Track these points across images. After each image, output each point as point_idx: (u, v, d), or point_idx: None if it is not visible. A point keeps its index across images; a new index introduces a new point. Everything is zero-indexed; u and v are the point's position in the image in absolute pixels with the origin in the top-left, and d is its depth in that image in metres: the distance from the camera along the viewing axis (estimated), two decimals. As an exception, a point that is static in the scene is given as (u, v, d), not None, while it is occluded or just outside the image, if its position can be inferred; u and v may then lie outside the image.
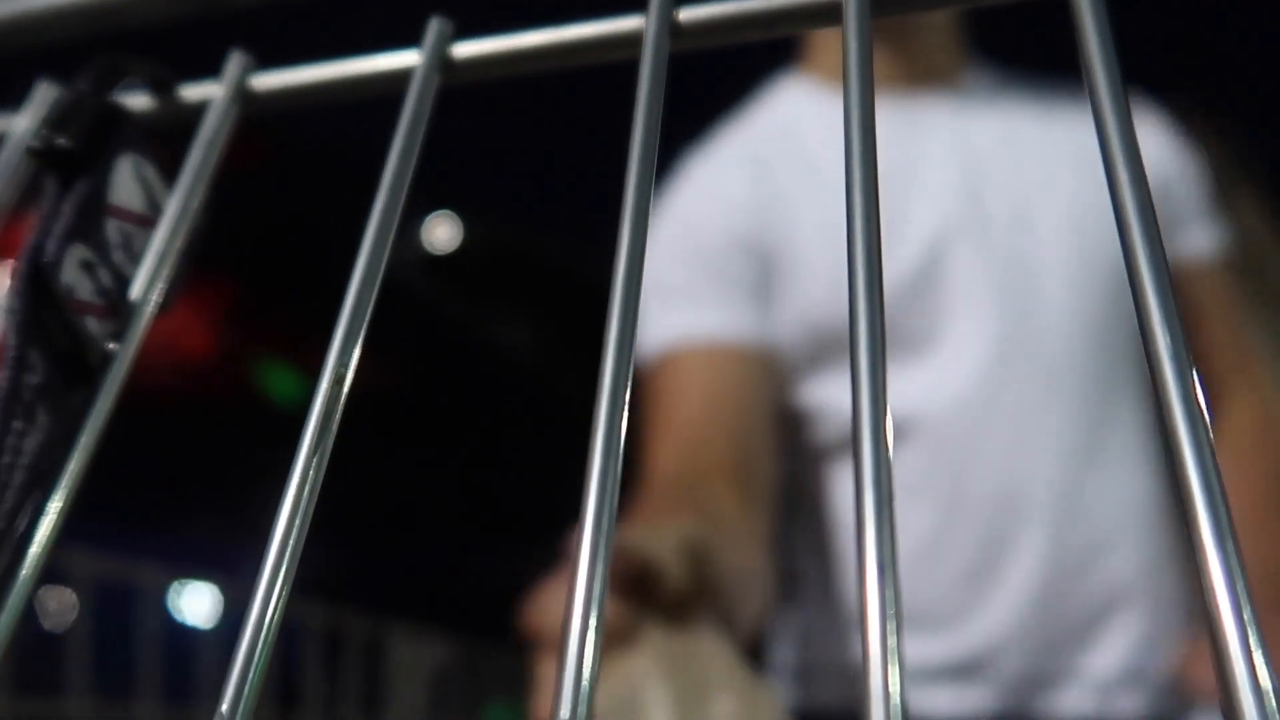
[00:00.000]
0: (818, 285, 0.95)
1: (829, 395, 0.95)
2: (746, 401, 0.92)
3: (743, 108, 1.11)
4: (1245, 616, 0.18)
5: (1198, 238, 1.07)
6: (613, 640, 0.58)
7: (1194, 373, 0.21)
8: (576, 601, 0.22)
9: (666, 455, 0.88)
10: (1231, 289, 1.06)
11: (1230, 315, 1.05)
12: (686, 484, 0.84)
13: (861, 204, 0.26)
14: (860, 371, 0.23)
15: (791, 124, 1.05)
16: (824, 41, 1.05)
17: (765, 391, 0.93)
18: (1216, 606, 0.18)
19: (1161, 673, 1.00)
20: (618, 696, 0.57)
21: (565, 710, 0.21)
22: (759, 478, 0.89)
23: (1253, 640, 0.18)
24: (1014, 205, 1.01)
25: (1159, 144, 1.06)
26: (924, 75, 1.10)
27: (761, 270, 0.96)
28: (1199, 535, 0.19)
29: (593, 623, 0.22)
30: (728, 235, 0.97)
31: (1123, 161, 0.25)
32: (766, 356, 0.94)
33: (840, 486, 0.97)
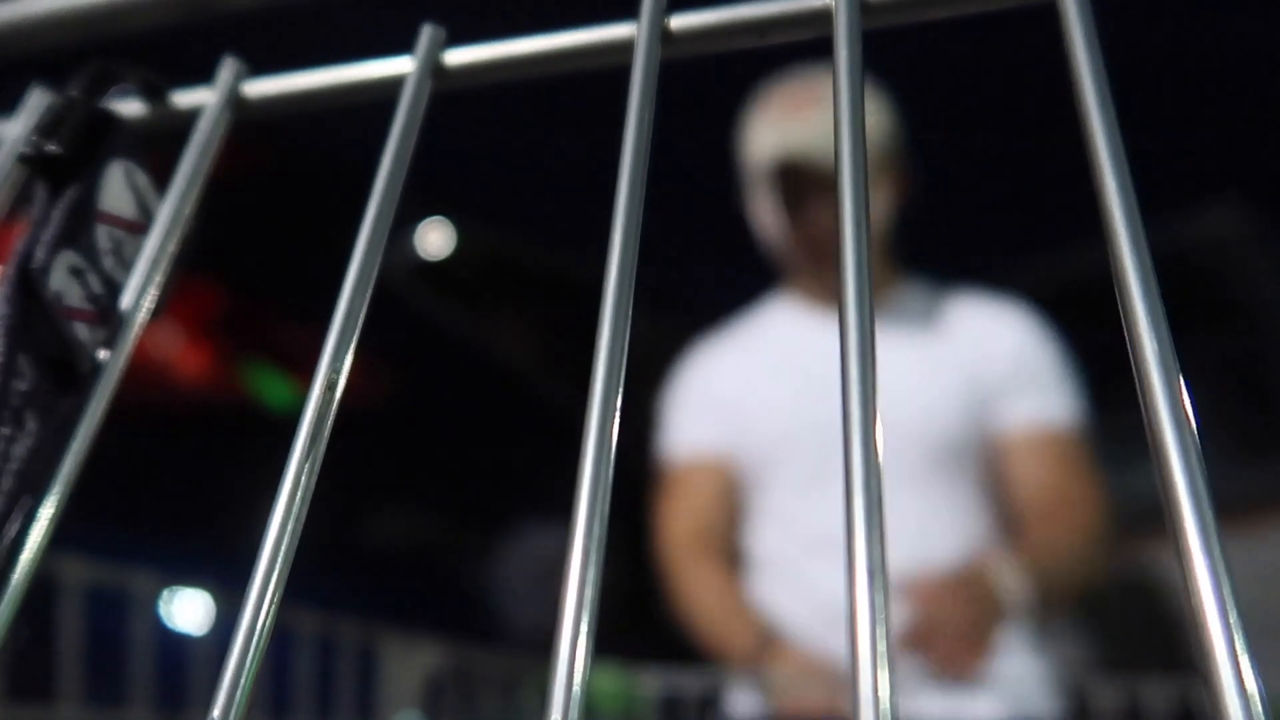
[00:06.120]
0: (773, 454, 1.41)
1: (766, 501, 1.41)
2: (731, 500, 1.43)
3: (736, 321, 1.49)
4: (1231, 621, 0.18)
5: (1029, 408, 1.37)
6: None
7: (1180, 378, 0.22)
8: (569, 607, 0.22)
9: (680, 523, 1.43)
10: (1051, 453, 1.36)
11: (1040, 473, 1.36)
12: (701, 543, 1.40)
13: (852, 209, 0.27)
14: (851, 378, 0.24)
15: (774, 339, 1.46)
16: (796, 268, 1.42)
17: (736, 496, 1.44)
18: (1203, 610, 0.19)
19: None
20: None
21: (556, 716, 0.21)
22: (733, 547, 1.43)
23: (1239, 645, 0.18)
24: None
25: (1017, 327, 1.40)
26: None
27: (739, 436, 1.44)
28: (1185, 539, 0.19)
29: (584, 629, 0.22)
30: (725, 423, 1.44)
31: (1110, 168, 0.25)
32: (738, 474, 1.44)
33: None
